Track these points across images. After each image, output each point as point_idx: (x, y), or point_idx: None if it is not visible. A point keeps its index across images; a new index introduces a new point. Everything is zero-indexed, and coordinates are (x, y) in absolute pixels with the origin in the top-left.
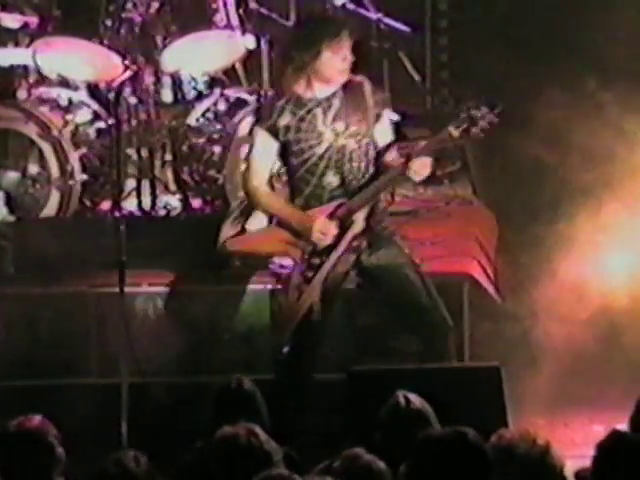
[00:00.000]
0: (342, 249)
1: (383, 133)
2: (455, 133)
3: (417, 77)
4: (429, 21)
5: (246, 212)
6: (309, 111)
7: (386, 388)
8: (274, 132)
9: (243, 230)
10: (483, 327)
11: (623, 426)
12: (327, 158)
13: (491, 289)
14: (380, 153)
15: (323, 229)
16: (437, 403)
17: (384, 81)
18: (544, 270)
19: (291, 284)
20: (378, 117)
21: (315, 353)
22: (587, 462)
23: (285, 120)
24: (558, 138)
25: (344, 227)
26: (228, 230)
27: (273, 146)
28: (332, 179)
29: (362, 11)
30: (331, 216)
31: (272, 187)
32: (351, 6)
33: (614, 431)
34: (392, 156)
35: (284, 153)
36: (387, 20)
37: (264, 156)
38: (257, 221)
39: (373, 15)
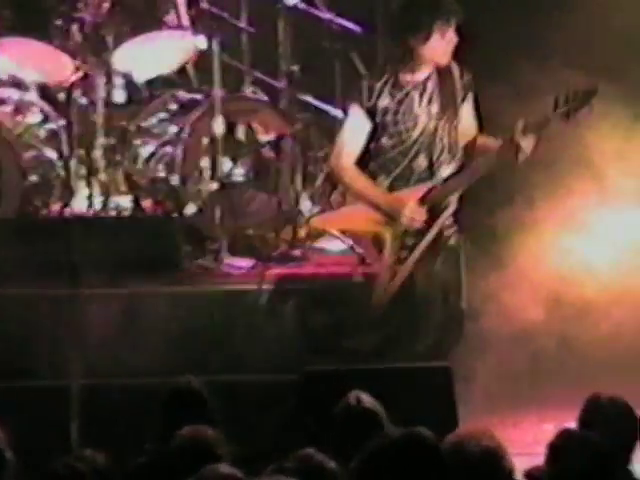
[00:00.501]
0: (435, 232)
1: (467, 115)
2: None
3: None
4: (381, 21)
5: (329, 189)
6: (407, 94)
7: (339, 388)
8: (372, 113)
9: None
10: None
11: (573, 424)
12: (420, 141)
13: None
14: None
15: (414, 214)
16: (389, 403)
17: (335, 82)
18: (493, 267)
19: (383, 267)
20: (463, 100)
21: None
22: (537, 461)
23: (384, 102)
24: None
25: (436, 210)
26: (308, 207)
27: (366, 127)
28: (422, 162)
29: (313, 11)
30: (423, 199)
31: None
32: (302, 6)
33: (564, 429)
34: (484, 140)
35: (376, 134)
36: (339, 20)
37: (356, 136)
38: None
39: (325, 15)
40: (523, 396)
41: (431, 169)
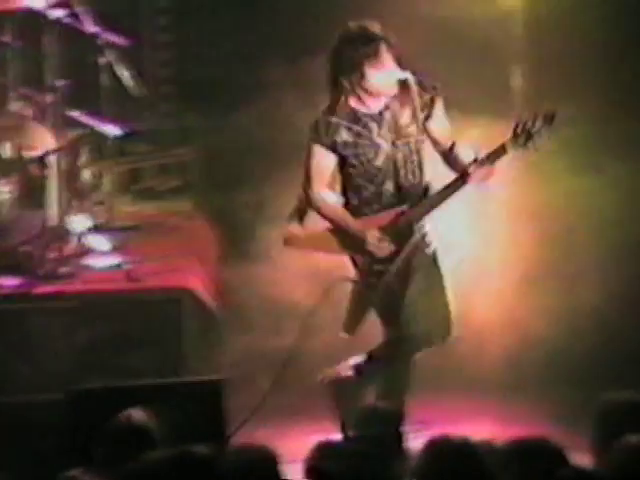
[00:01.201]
0: (403, 257)
1: (439, 126)
2: (510, 149)
3: (137, 92)
4: (148, 35)
5: (302, 212)
6: (365, 125)
7: (109, 405)
8: (332, 148)
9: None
10: (204, 341)
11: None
12: (385, 169)
13: (211, 303)
14: (447, 151)
15: (376, 243)
16: (163, 418)
17: (101, 96)
18: (270, 287)
19: (352, 291)
20: (428, 118)
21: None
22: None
23: (342, 136)
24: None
25: (404, 235)
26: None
27: (331, 159)
28: (389, 187)
29: (78, 25)
30: (391, 224)
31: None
32: (68, 20)
33: (319, 442)
34: (472, 167)
35: (342, 164)
36: (105, 34)
37: (323, 168)
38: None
39: (90, 29)
40: (292, 407)
41: (399, 194)
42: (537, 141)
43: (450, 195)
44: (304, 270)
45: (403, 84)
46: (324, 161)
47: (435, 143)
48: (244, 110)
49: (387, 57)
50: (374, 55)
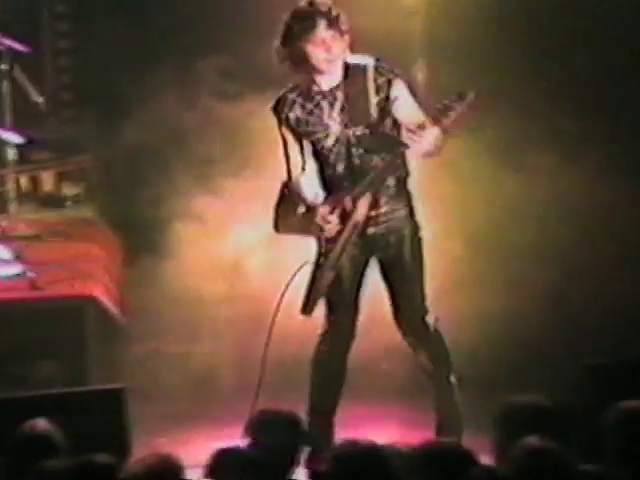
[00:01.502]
0: (345, 236)
1: (402, 108)
2: (460, 108)
3: (38, 99)
4: (49, 41)
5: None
6: (317, 104)
7: (13, 415)
8: (287, 123)
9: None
10: (108, 349)
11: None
12: (335, 150)
13: (115, 310)
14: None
15: (323, 221)
16: (66, 428)
17: (2, 103)
18: (175, 290)
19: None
20: (388, 98)
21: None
22: None
23: (296, 112)
24: None
25: (348, 215)
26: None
27: (292, 138)
28: (341, 169)
29: None
30: (336, 205)
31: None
32: None
33: (219, 449)
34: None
35: (302, 146)
36: (4, 40)
37: (293, 147)
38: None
39: None
40: (194, 413)
41: (349, 175)
42: (452, 115)
43: (389, 169)
44: (207, 267)
45: (356, 67)
46: (290, 141)
47: (402, 125)
48: (137, 115)
49: (328, 35)
50: (311, 30)
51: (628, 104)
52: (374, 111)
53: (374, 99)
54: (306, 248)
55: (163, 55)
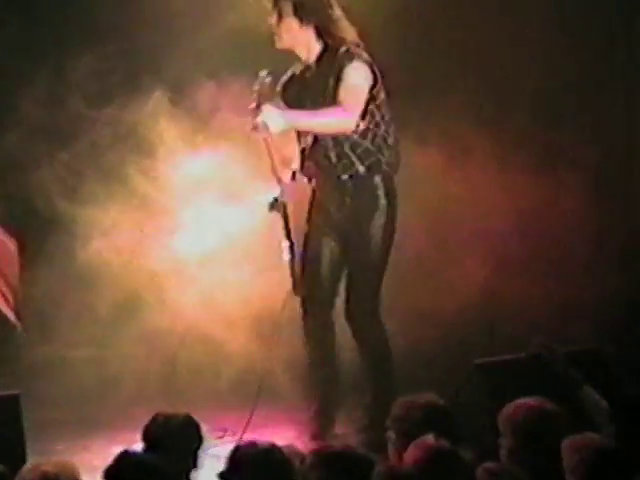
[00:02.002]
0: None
1: (344, 91)
2: None
3: None
4: None
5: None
6: (291, 79)
7: None
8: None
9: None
10: (3, 354)
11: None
12: None
13: (11, 316)
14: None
15: (288, 183)
16: None
17: None
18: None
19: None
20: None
21: None
22: None
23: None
24: None
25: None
26: None
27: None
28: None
29: None
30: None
31: None
32: None
33: (117, 455)
34: None
35: None
36: None
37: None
38: None
39: None
40: (93, 420)
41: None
42: None
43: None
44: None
45: (330, 51)
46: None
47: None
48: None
49: (292, 21)
50: (277, 14)
51: (571, 100)
52: (330, 94)
53: (332, 82)
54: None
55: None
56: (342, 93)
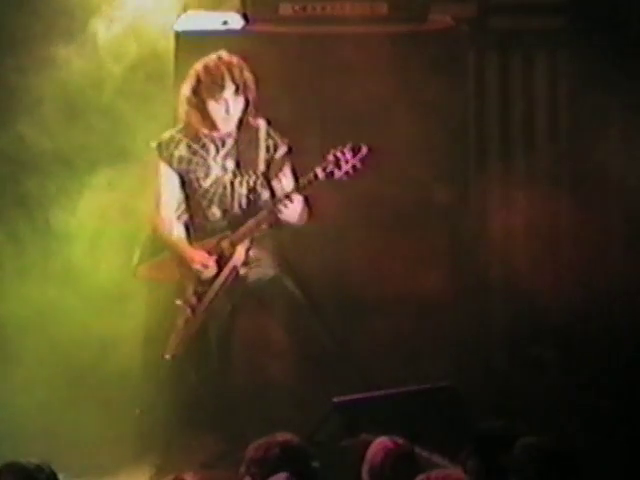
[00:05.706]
0: (223, 278)
1: (283, 180)
2: (321, 175)
3: None
4: None
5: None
6: (203, 145)
7: None
8: (169, 162)
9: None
10: None
11: None
12: (212, 192)
13: None
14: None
15: (203, 262)
16: None
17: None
18: None
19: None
20: (280, 164)
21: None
22: None
23: (180, 152)
24: None
25: (227, 258)
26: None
27: (174, 177)
28: (216, 212)
29: None
30: (214, 248)
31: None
32: None
33: None
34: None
35: (181, 184)
36: None
37: (168, 187)
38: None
39: None
40: None
41: (225, 219)
42: (344, 169)
43: (264, 221)
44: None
45: (250, 122)
46: (168, 177)
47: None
48: None
49: (231, 98)
50: (218, 92)
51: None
52: (262, 165)
53: (263, 155)
54: None
55: None
56: (285, 181)
